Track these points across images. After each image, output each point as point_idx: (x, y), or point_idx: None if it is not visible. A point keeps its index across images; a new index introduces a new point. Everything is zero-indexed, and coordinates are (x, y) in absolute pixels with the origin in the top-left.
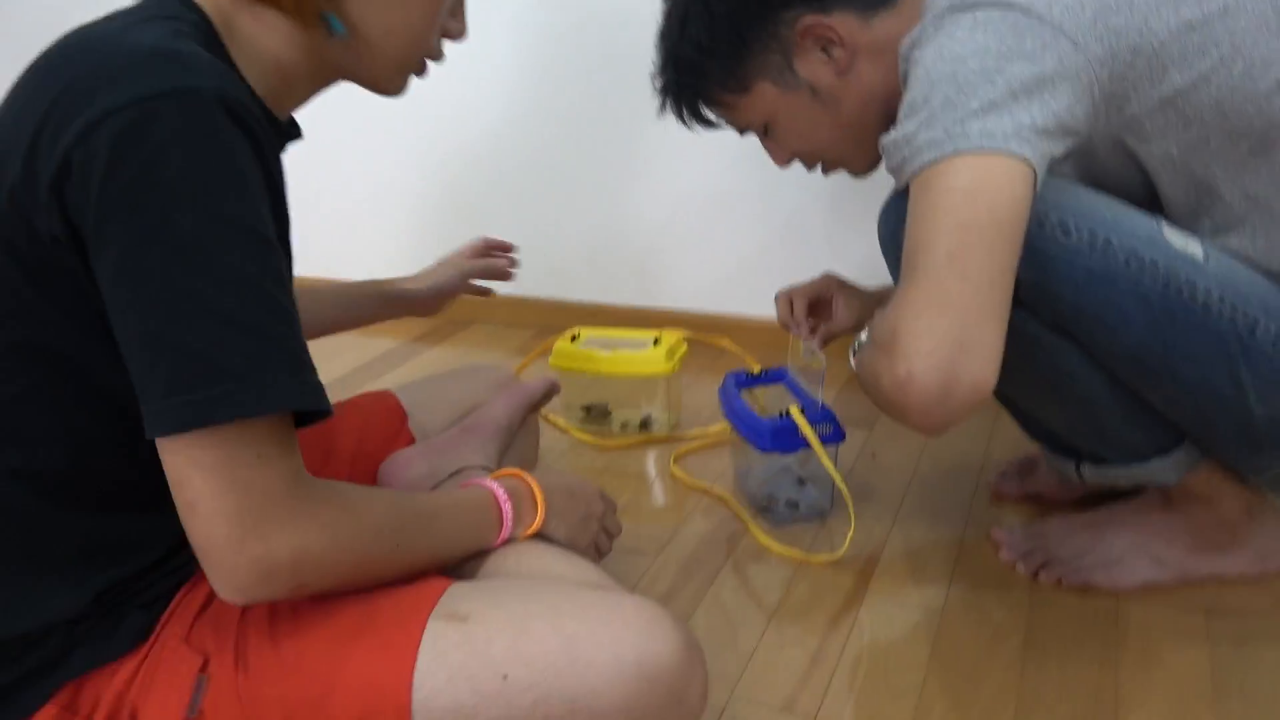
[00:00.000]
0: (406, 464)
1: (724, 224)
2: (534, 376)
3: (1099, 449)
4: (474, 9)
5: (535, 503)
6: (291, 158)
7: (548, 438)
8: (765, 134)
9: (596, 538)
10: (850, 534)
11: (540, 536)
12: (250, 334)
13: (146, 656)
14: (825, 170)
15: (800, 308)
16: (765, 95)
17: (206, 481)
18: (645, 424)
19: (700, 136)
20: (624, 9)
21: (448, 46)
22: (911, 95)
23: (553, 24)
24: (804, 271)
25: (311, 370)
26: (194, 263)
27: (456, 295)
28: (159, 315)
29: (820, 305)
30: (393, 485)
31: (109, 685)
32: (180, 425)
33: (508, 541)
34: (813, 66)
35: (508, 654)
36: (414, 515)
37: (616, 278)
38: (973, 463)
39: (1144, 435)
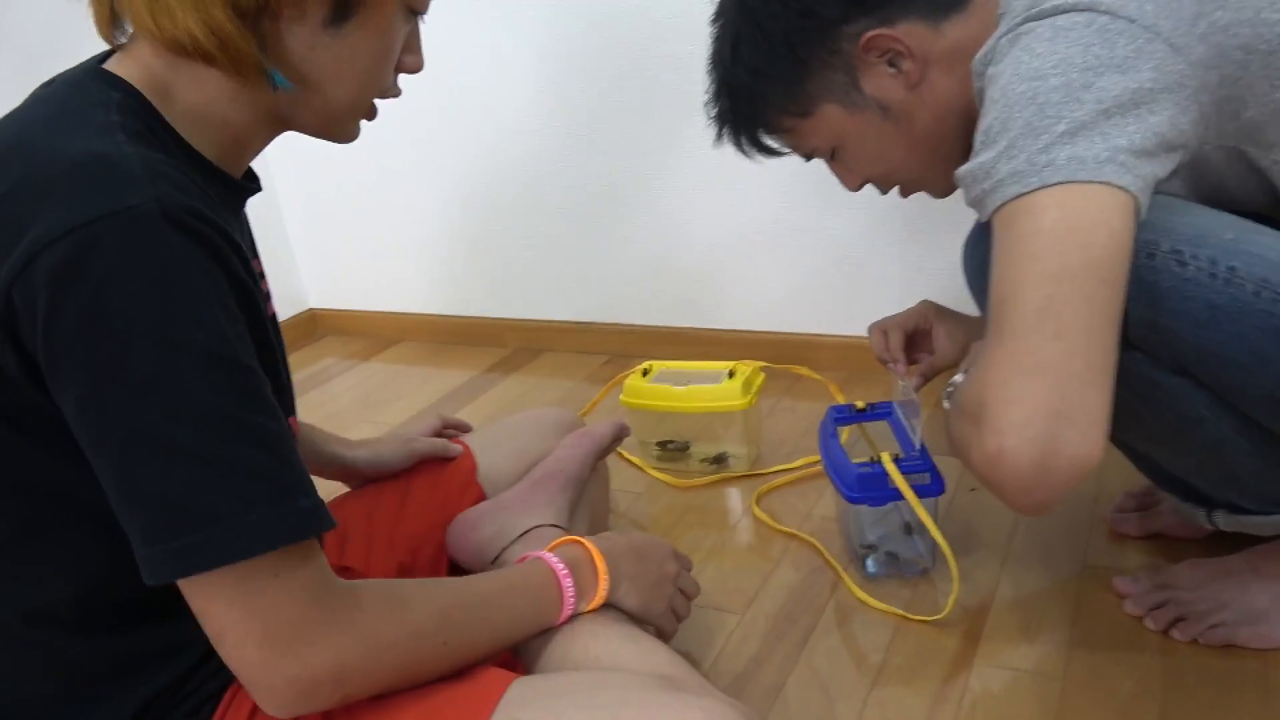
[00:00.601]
0: (475, 523)
1: (794, 239)
2: (602, 419)
3: (1233, 496)
4: (519, 30)
5: (597, 572)
6: (329, 186)
7: (624, 478)
8: (833, 158)
9: (672, 601)
10: (954, 596)
11: (610, 605)
12: (223, 470)
13: None
14: (904, 193)
15: (896, 341)
16: (830, 118)
17: (227, 612)
18: (719, 460)
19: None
20: (677, 23)
21: (501, 72)
22: (988, 120)
23: (597, 39)
24: (883, 287)
25: (300, 489)
26: (153, 403)
27: (395, 470)
28: (127, 462)
29: (919, 337)
30: (462, 547)
31: None
32: (168, 575)
33: (573, 617)
34: (880, 82)
35: None
36: (462, 609)
37: (684, 300)
38: (1085, 492)
39: None
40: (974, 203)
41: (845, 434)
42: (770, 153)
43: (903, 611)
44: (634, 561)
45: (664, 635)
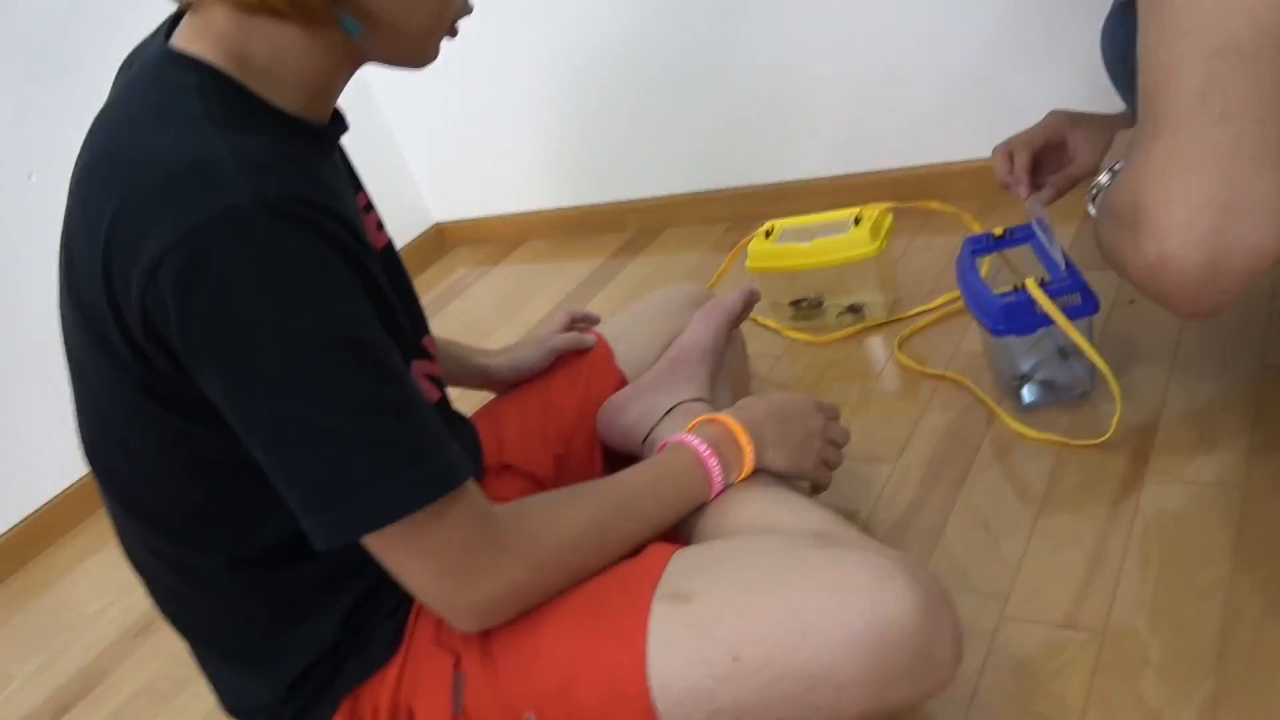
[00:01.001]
0: (621, 408)
1: (906, 68)
2: (731, 288)
3: None
4: None
5: (740, 446)
6: (435, 102)
7: (761, 340)
8: None
9: (822, 454)
10: (1117, 415)
11: (760, 471)
12: (360, 445)
13: (406, 660)
14: None
15: (1022, 160)
16: None
17: (404, 559)
18: (856, 310)
19: None
20: None
21: None
22: None
23: None
24: (1012, 103)
25: (437, 449)
26: (286, 392)
27: (535, 371)
28: (273, 447)
29: (1052, 152)
30: (612, 432)
31: (381, 691)
32: (332, 542)
33: (723, 491)
34: None
35: (735, 634)
36: (613, 507)
37: (798, 151)
38: (1260, 285)
39: None
40: None
41: (986, 265)
42: None
43: (1063, 438)
44: (776, 425)
45: (819, 487)
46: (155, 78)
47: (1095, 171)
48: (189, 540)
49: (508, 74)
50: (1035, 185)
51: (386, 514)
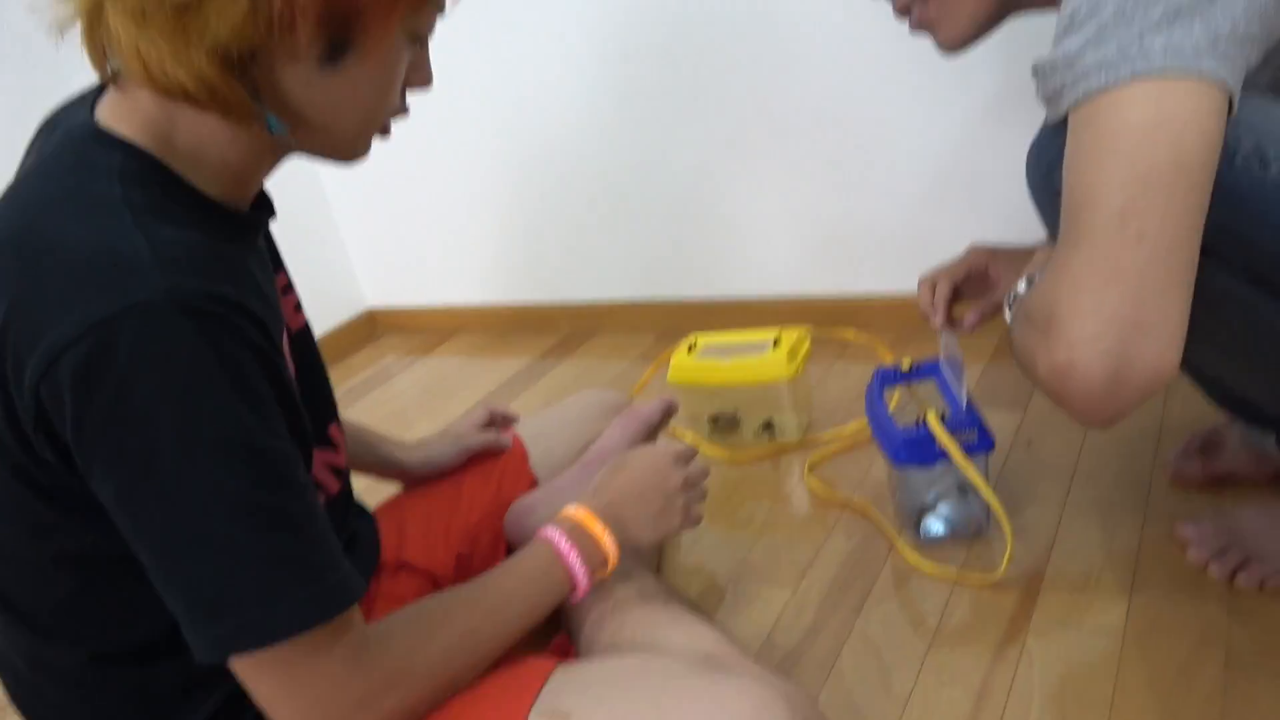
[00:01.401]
0: (530, 510)
1: (831, 201)
2: (651, 398)
3: None
4: (561, 17)
5: (594, 537)
6: (377, 188)
7: None
8: None
9: (686, 507)
10: (1008, 554)
11: (642, 567)
12: (250, 559)
13: None
14: (917, 17)
15: (943, 291)
16: None
17: (272, 688)
18: (773, 431)
19: (799, 106)
20: (716, 13)
21: (541, 58)
22: (1073, 5)
23: (640, 23)
24: (930, 241)
25: (326, 566)
26: (180, 498)
27: (449, 468)
28: (160, 554)
29: (973, 282)
30: (519, 534)
31: None
32: (210, 658)
33: (593, 586)
34: None
35: None
36: (484, 615)
37: (729, 269)
38: (1147, 437)
39: None
40: (1050, 96)
41: (895, 396)
42: None
43: (957, 573)
44: (633, 504)
45: (689, 528)
46: (77, 156)
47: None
48: (52, 632)
49: (453, 168)
50: (951, 317)
51: (270, 634)
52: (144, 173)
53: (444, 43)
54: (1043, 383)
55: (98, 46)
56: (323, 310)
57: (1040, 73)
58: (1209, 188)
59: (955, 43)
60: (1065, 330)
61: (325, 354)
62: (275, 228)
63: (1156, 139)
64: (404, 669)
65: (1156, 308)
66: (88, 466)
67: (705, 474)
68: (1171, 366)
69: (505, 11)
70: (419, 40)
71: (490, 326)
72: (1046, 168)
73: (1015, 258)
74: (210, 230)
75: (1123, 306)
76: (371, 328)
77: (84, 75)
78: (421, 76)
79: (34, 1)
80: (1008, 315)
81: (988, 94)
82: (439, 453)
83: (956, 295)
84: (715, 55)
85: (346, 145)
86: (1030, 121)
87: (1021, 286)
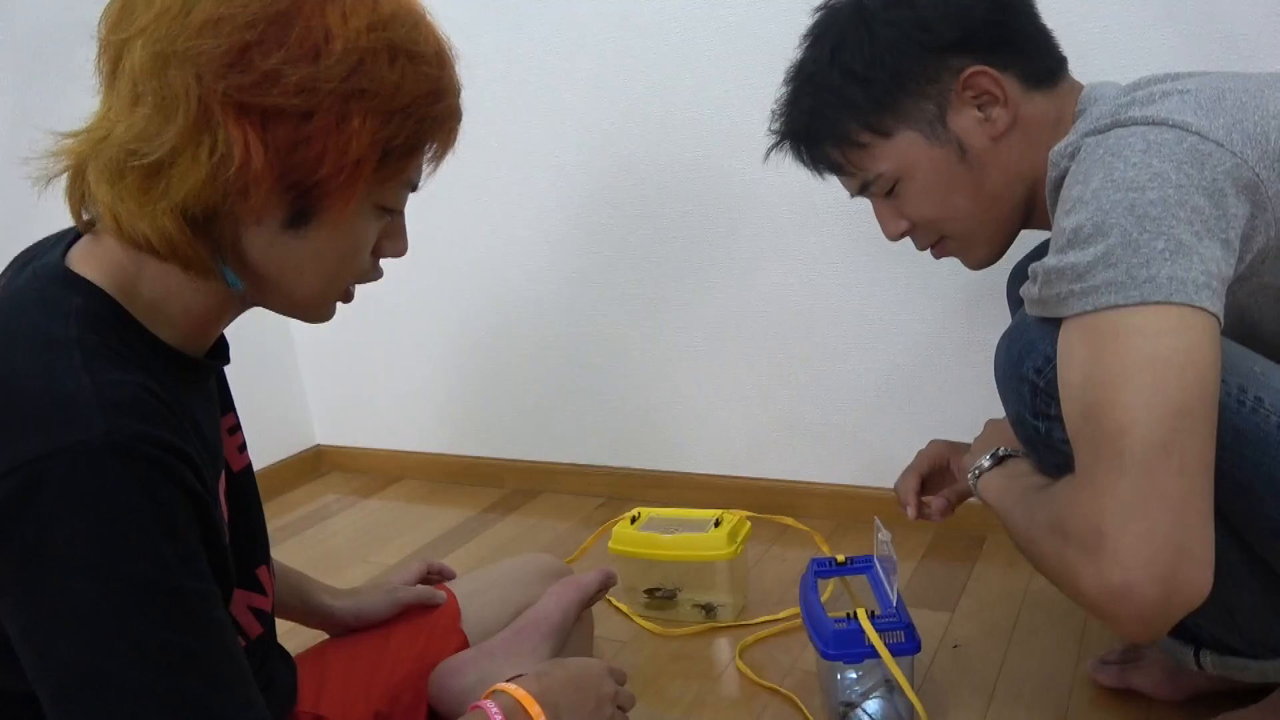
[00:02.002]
0: (457, 671)
1: (780, 392)
2: (591, 565)
3: (1226, 635)
4: (521, 168)
5: (532, 719)
6: (343, 327)
7: (610, 625)
8: (889, 193)
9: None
10: None
11: None
12: (156, 703)
13: None
14: (939, 251)
15: (912, 484)
16: (908, 144)
17: None
18: (709, 610)
19: (763, 297)
20: (680, 180)
21: (508, 222)
22: (1076, 220)
23: (604, 192)
24: (872, 438)
25: (239, 710)
26: (89, 637)
27: (378, 620)
28: (63, 692)
29: (935, 476)
30: (444, 695)
31: None
32: None
33: None
34: (967, 124)
35: None
36: None
37: (678, 445)
38: (1068, 648)
39: None
40: (1049, 300)
41: (829, 588)
42: (829, 167)
43: None
44: (572, 693)
45: None
46: (40, 294)
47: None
48: None
49: (415, 318)
50: (921, 508)
51: None
52: (102, 315)
53: (419, 198)
54: (1088, 599)
55: (77, 198)
56: (272, 441)
57: (1040, 277)
58: (1218, 413)
59: (981, 265)
60: (1119, 554)
61: (268, 486)
62: (236, 351)
63: (1188, 375)
64: None
65: (1198, 534)
66: (0, 596)
67: (632, 702)
68: (1209, 585)
69: (476, 173)
70: (389, 212)
71: (435, 475)
72: (1016, 357)
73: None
74: (159, 374)
75: (1172, 534)
76: (317, 463)
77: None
78: (395, 246)
79: (26, 154)
80: (973, 486)
81: (946, 309)
82: (370, 604)
83: (923, 487)
84: (683, 237)
85: (306, 306)
86: (976, 343)
87: (985, 461)
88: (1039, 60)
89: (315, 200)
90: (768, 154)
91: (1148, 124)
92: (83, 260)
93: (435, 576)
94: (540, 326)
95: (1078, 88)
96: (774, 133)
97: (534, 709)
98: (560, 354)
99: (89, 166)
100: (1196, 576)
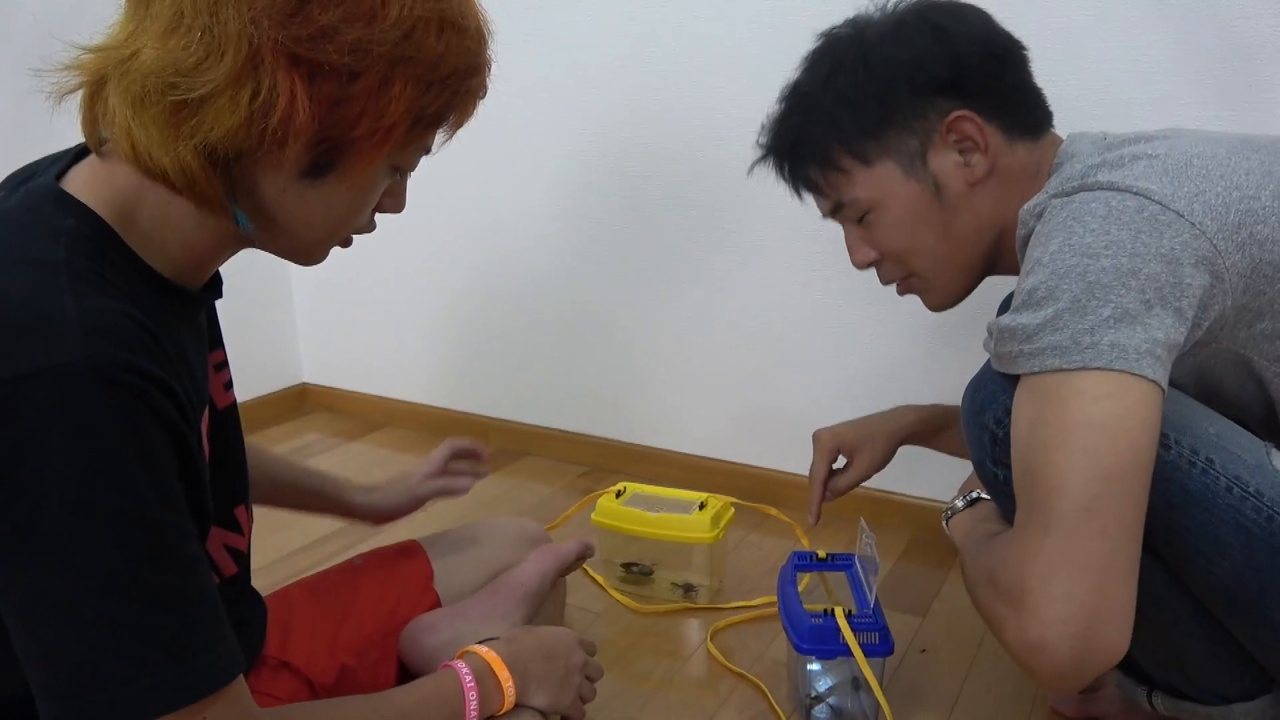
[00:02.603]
0: (430, 629)
1: (776, 380)
2: (570, 535)
3: (1176, 681)
4: (532, 149)
5: (499, 682)
6: (341, 268)
7: (584, 595)
8: (859, 221)
9: (580, 689)
10: None
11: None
12: (122, 633)
13: None
14: (903, 287)
15: (817, 495)
16: (886, 175)
17: None
18: (688, 590)
19: (756, 285)
20: (681, 160)
21: (513, 187)
22: (1033, 282)
23: (607, 164)
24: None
25: (207, 647)
26: (59, 564)
27: (398, 515)
28: (29, 616)
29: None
30: (415, 652)
31: None
32: None
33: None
34: (945, 165)
35: None
36: None
37: (666, 423)
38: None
39: (1229, 675)
40: (1003, 357)
41: (805, 580)
42: (808, 186)
43: None
44: (541, 661)
45: (576, 714)
46: (32, 215)
47: (865, 475)
48: None
49: (414, 274)
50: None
51: (131, 713)
52: (94, 240)
53: (429, 163)
54: (1010, 649)
55: (92, 116)
56: (258, 375)
57: (995, 334)
58: (1150, 477)
59: (939, 307)
60: (1038, 611)
61: (251, 420)
62: (229, 285)
63: (1119, 440)
64: None
65: (1116, 596)
66: None
67: (600, 672)
68: (1124, 648)
69: (480, 152)
70: (400, 172)
71: (420, 425)
72: (980, 405)
73: (860, 430)
74: (149, 304)
75: (1089, 596)
76: (302, 401)
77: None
78: (395, 204)
79: (38, 65)
80: (946, 529)
81: (929, 323)
82: (388, 500)
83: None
84: (679, 217)
85: (306, 251)
86: (958, 354)
87: (959, 503)
88: (1025, 114)
89: (340, 156)
90: (751, 168)
91: (1112, 189)
92: (81, 183)
93: (461, 463)
94: (535, 294)
95: (1058, 140)
96: (760, 146)
97: (503, 673)
98: (553, 321)
99: (110, 85)
100: (1111, 638)
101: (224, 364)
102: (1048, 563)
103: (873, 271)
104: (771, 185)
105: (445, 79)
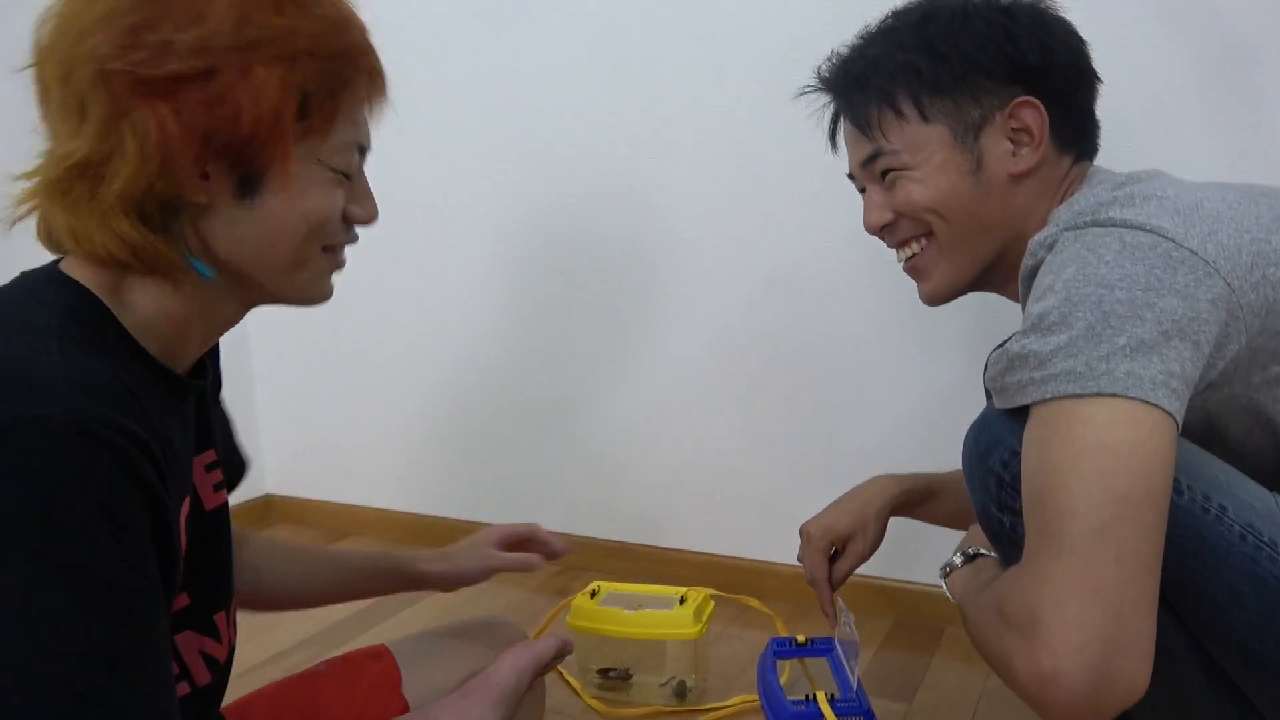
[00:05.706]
0: None
1: (746, 467)
2: (545, 635)
3: None
4: (491, 241)
5: None
6: (302, 375)
7: (558, 698)
8: (886, 176)
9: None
10: None
11: None
12: (66, 696)
13: None
14: (911, 259)
15: (825, 597)
16: (936, 136)
17: None
18: (681, 691)
19: (730, 376)
20: (646, 247)
21: (475, 284)
22: (1044, 307)
23: (569, 257)
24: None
25: (142, 713)
26: (9, 616)
27: (470, 583)
28: None
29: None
30: None
31: None
32: None
33: None
34: (995, 147)
35: None
36: None
37: (639, 517)
38: None
39: None
40: (1010, 388)
41: (786, 669)
42: (856, 122)
43: None
44: None
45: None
46: (28, 292)
47: (863, 557)
48: None
49: (376, 375)
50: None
51: None
52: (87, 312)
53: (388, 259)
54: (1019, 684)
55: (45, 231)
56: None
57: (1007, 360)
58: (1167, 513)
59: (937, 295)
60: (1051, 640)
61: None
62: None
63: (1134, 466)
64: None
65: (1134, 627)
66: None
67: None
68: (1145, 684)
69: (434, 241)
70: (345, 176)
71: (388, 531)
72: (984, 449)
73: (849, 516)
74: (137, 377)
75: (1106, 624)
76: (266, 512)
77: None
78: (364, 210)
79: None
80: (943, 584)
81: (901, 408)
82: (469, 567)
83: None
84: (644, 298)
85: (292, 281)
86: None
87: (958, 559)
88: (1081, 135)
89: (253, 161)
90: (799, 93)
91: (1125, 226)
92: (75, 265)
93: (532, 546)
94: (499, 389)
95: (1086, 170)
96: (821, 76)
97: None
98: (519, 418)
99: (42, 197)
100: (1130, 672)
101: (216, 464)
102: (1060, 587)
103: (854, 344)
104: (747, 243)
105: (309, 50)
